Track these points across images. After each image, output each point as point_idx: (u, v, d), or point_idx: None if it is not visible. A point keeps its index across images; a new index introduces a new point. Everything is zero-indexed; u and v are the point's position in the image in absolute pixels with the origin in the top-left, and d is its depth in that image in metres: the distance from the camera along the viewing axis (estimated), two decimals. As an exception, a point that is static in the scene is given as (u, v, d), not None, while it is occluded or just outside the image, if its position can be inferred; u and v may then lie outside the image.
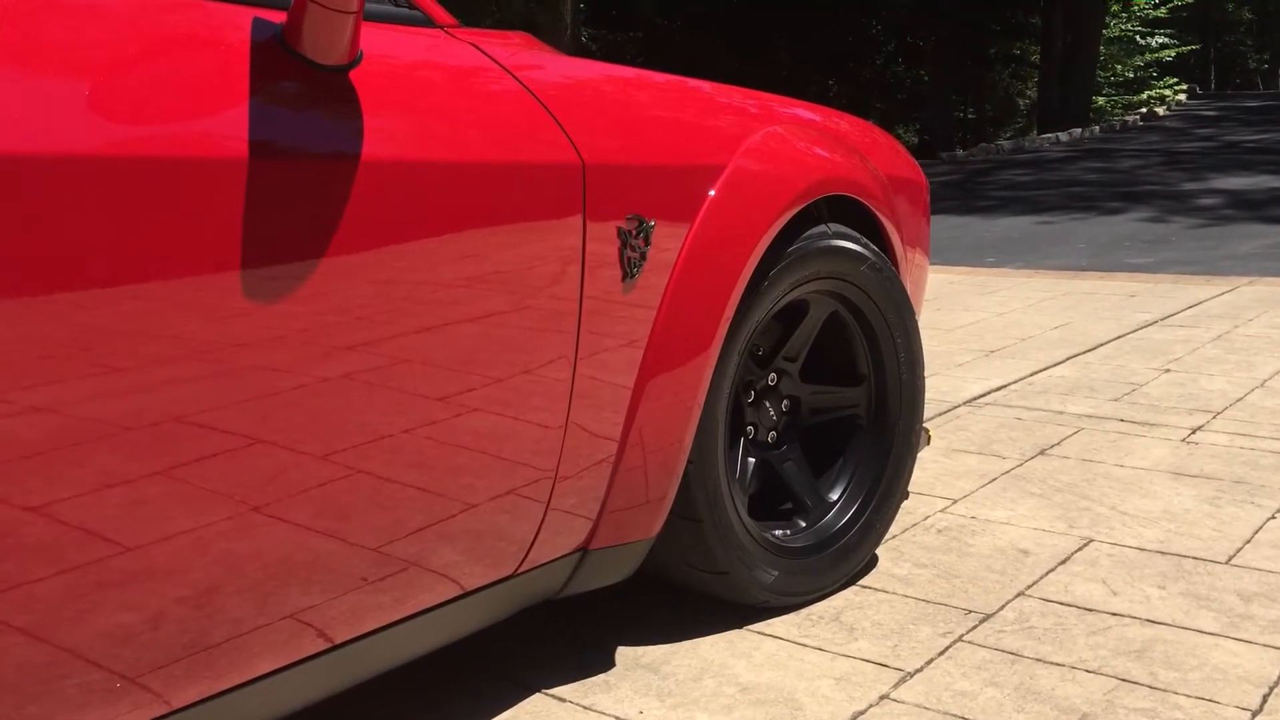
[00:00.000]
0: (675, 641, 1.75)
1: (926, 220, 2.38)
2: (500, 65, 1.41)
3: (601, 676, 1.64)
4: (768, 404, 1.92)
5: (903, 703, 1.55)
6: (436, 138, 1.25)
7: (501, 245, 1.30)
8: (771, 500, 1.96)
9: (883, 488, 2.00)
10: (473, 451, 1.31)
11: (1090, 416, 3.01)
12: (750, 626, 1.80)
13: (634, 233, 1.45)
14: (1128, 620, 1.78)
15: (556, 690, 1.61)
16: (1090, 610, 1.82)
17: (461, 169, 1.26)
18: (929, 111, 21.22)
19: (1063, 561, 2.03)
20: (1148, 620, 1.78)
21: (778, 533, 1.88)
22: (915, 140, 22.20)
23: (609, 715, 1.54)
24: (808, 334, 1.93)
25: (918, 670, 1.64)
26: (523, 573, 1.45)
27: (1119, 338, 4.08)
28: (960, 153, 16.90)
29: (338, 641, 1.22)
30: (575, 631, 1.80)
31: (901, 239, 2.11)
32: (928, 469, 2.58)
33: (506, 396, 1.33)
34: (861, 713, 1.53)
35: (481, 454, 1.32)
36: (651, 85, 1.72)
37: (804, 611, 1.84)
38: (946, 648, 1.71)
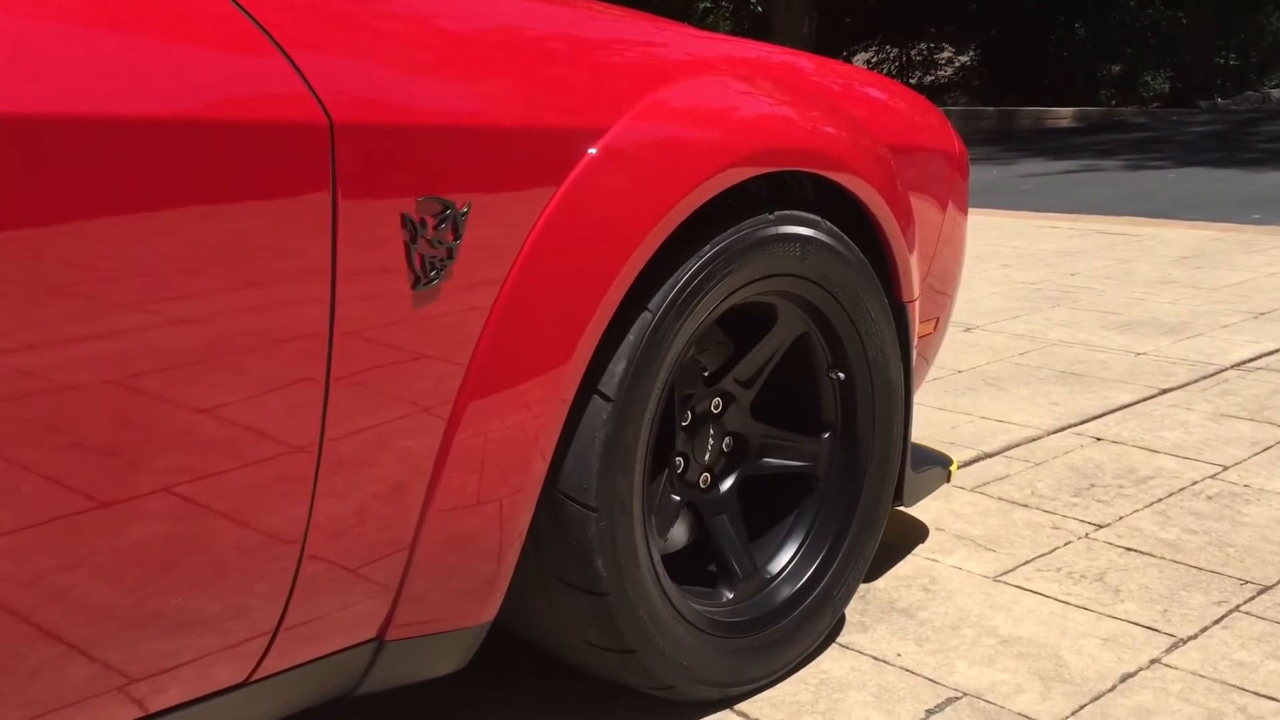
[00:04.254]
0: (930, 589, 1.74)
1: (957, 194, 1.89)
2: None
3: (856, 618, 1.65)
4: (707, 434, 1.48)
5: (1176, 669, 1.49)
6: (49, 80, 0.82)
7: (185, 239, 0.89)
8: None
9: (848, 544, 1.56)
10: (162, 523, 0.92)
11: (1378, 386, 2.79)
12: (1006, 579, 1.76)
13: (431, 222, 1.03)
14: None
15: (812, 627, 1.62)
16: (1384, 590, 1.70)
17: (100, 127, 0.83)
18: (1184, 57, 19.83)
19: (1351, 537, 1.90)
20: None
21: (705, 604, 1.45)
22: (1165, 88, 20.84)
23: (866, 654, 1.55)
24: (770, 353, 1.49)
25: (1191, 637, 1.57)
26: (260, 679, 1.05)
27: None
28: (1220, 101, 15.76)
29: None
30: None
31: (902, 226, 1.59)
32: (1193, 433, 2.46)
33: (206, 451, 0.93)
34: (1131, 675, 1.48)
35: (175, 527, 0.93)
36: (479, 11, 1.21)
37: (1064, 569, 1.79)
38: (1222, 617, 1.63)
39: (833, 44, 19.68)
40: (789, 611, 1.49)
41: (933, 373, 2.98)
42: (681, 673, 1.36)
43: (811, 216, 1.44)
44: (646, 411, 1.27)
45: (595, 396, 1.23)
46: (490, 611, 1.21)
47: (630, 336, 1.24)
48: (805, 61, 1.73)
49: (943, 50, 21.52)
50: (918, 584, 1.76)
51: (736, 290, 1.36)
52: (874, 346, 1.54)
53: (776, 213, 1.39)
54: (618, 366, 1.23)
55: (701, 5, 18.52)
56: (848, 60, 21.59)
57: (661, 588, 1.33)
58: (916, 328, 1.70)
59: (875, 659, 1.54)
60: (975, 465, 2.28)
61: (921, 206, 1.74)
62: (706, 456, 1.48)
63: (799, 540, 1.55)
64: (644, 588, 1.30)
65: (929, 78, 21.62)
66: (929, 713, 1.41)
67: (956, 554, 1.86)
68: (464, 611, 1.18)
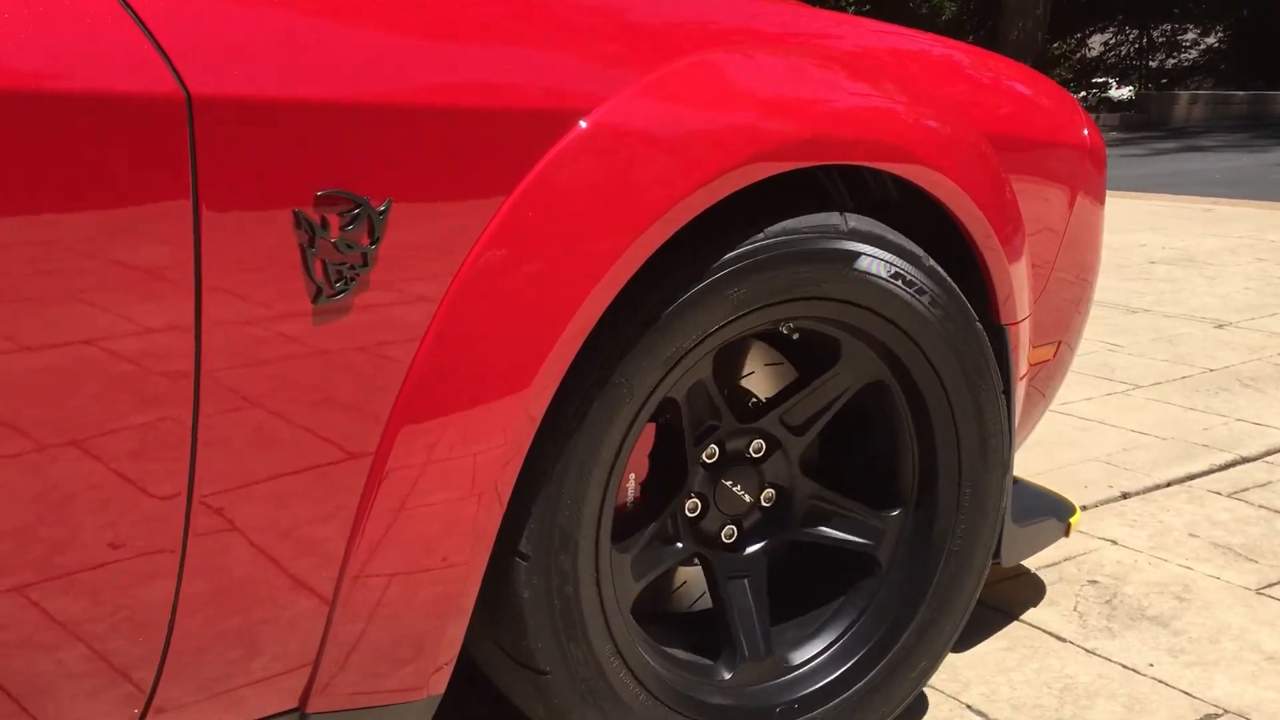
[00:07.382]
0: (1184, 598, 1.64)
1: (1088, 198, 1.51)
2: None
3: (1103, 622, 1.57)
4: (737, 481, 1.22)
5: None
6: None
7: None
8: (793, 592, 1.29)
9: (915, 626, 1.26)
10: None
11: None
12: (1270, 592, 1.64)
13: (336, 221, 0.83)
14: None
15: (1055, 629, 1.55)
16: None
17: None
18: None
19: None
20: None
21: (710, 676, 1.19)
22: None
23: (1114, 662, 1.47)
24: (829, 398, 1.22)
25: None
26: None
27: None
28: None
29: None
30: (1064, 571, 1.73)
31: (1004, 233, 1.27)
32: None
33: (42, 508, 0.77)
34: None
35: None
36: None
37: (1337, 586, 1.66)
38: None
39: (1069, 24, 18.80)
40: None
41: (1181, 370, 2.80)
42: None
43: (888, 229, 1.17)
44: (608, 439, 1.03)
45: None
46: (437, 685, 1.02)
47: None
48: (942, 50, 1.43)
49: (1186, 31, 20.23)
50: (1170, 592, 1.66)
51: (771, 305, 1.11)
52: (957, 391, 1.23)
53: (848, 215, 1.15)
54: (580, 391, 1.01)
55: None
56: (1083, 42, 20.51)
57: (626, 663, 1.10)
58: (1025, 353, 1.38)
59: (1124, 667, 1.46)
60: (1232, 470, 2.14)
61: (1042, 207, 1.42)
62: (732, 507, 1.23)
63: (834, 634, 1.26)
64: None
65: (1171, 60, 20.38)
66: (1186, 728, 1.33)
67: (1213, 563, 1.75)
68: (403, 684, 0.99)
